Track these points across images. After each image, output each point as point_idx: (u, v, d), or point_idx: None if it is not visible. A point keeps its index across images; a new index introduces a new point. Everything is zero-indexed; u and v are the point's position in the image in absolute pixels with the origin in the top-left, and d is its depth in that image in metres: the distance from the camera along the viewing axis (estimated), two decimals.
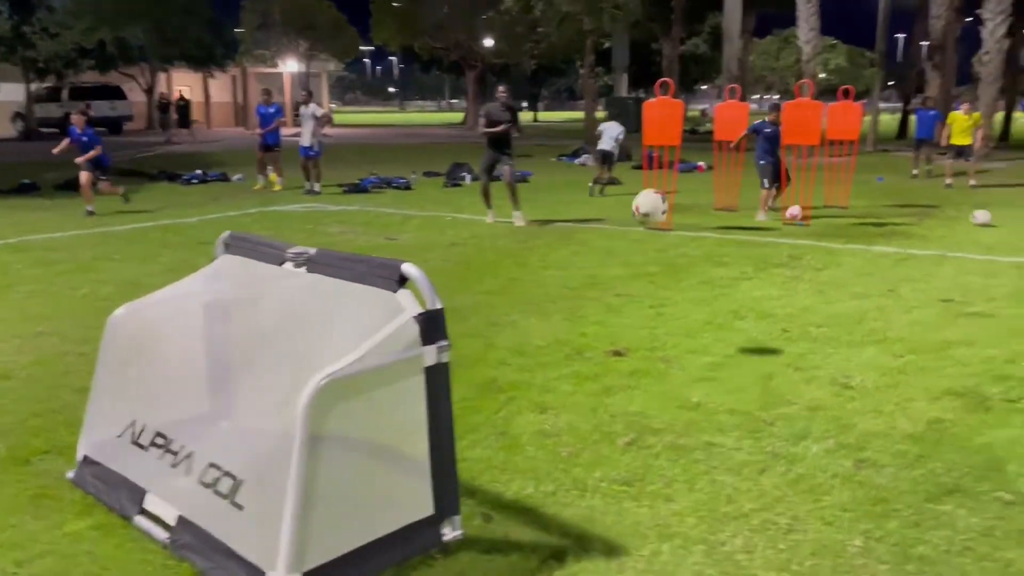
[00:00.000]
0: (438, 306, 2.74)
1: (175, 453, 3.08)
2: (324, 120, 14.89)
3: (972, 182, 14.89)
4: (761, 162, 10.94)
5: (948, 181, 14.95)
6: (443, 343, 2.78)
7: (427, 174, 17.51)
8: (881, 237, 9.54)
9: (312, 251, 3.09)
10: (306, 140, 14.07)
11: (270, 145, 14.51)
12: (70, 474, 3.34)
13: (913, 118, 18.87)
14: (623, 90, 32.84)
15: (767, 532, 2.92)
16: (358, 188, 14.62)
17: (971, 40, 22.83)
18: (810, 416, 4.03)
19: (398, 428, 2.82)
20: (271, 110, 14.58)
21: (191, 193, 14.35)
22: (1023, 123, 35.57)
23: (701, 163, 18.45)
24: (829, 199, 12.54)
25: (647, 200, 9.56)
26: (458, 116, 64.65)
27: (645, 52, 41.75)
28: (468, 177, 16.19)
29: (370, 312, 2.82)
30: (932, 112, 16.66)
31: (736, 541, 2.86)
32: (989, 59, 20.85)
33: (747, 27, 31.51)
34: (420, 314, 2.72)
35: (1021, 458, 3.53)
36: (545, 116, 73.60)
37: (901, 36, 52.05)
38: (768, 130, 10.84)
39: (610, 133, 14.34)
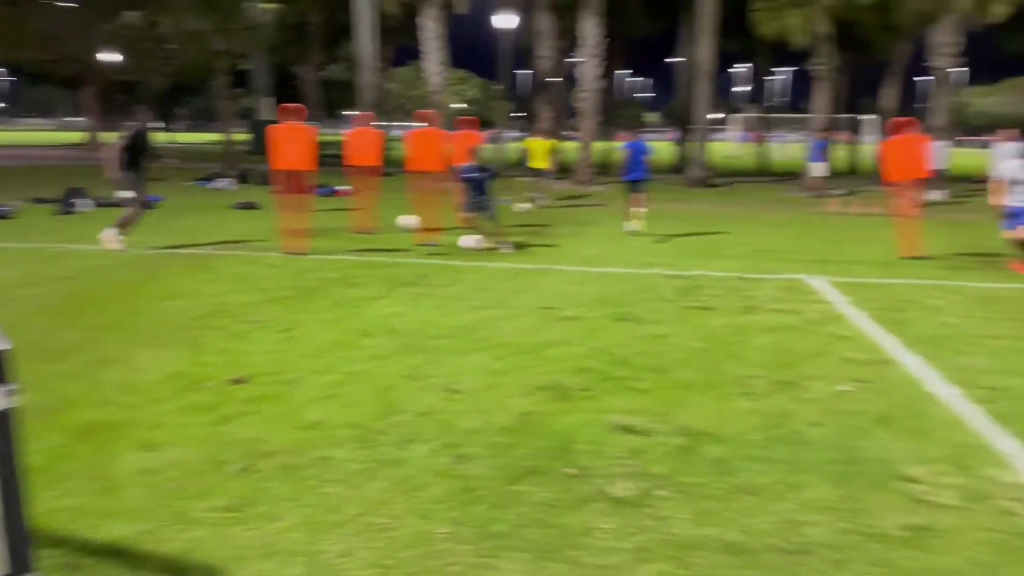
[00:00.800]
0: (2, 347, 2.51)
1: None
2: None
3: (544, 200, 17.17)
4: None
5: (534, 199, 17.07)
6: (10, 387, 2.56)
7: (37, 200, 15.57)
8: (498, 255, 10.51)
9: None
10: None
11: None
12: None
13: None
14: (267, 113, 32.18)
15: (367, 534, 3.12)
16: None
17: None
18: (420, 421, 4.35)
19: None
20: None
21: None
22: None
23: (341, 187, 18.72)
24: (458, 220, 13.47)
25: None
26: (78, 135, 58.18)
27: (288, 76, 41.36)
28: (91, 203, 14.77)
29: None
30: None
31: (336, 547, 3.01)
32: (586, 96, 24.02)
33: (384, 56, 32.75)
34: None
35: (587, 438, 4.17)
36: (185, 137, 69.33)
37: (529, 72, 57.84)
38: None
39: None
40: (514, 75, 52.57)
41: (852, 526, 3.24)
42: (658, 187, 22.92)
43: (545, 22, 25.86)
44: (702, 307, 7.39)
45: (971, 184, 19.11)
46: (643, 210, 12.42)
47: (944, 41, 22.74)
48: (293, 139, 10.14)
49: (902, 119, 11.41)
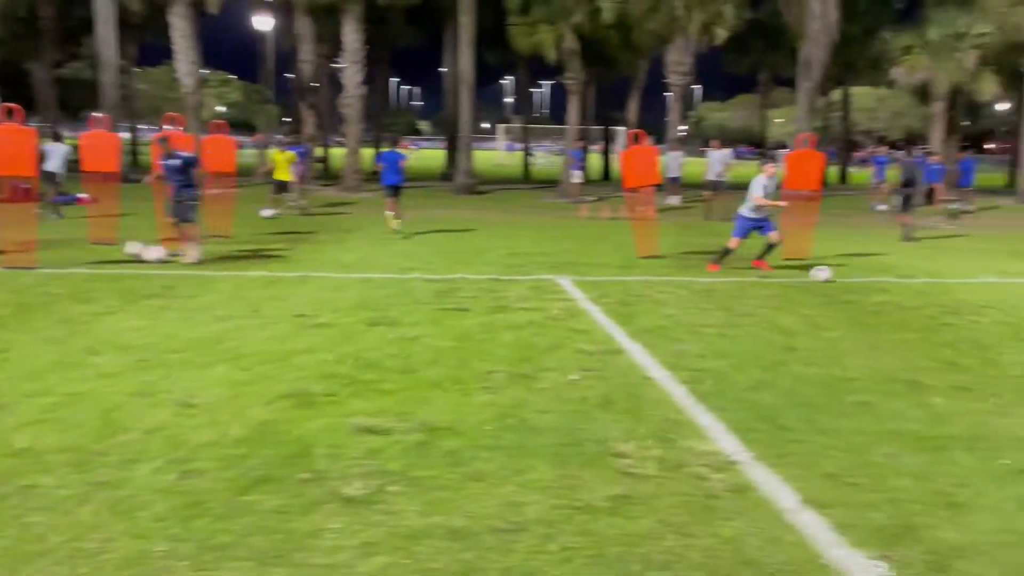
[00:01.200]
0: None
1: None
2: None
3: (298, 207, 16.85)
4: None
5: (274, 212, 15.88)
6: None
7: None
8: (256, 262, 10.18)
9: None
10: None
11: None
12: None
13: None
14: None
15: (74, 560, 2.93)
16: None
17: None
18: (147, 440, 4.14)
19: None
20: None
21: None
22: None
23: (83, 195, 17.20)
24: (211, 228, 12.87)
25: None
26: None
27: (20, 73, 37.16)
28: None
29: None
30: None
31: None
32: (350, 102, 23.86)
33: (129, 55, 30.47)
34: None
35: (326, 442, 4.17)
36: None
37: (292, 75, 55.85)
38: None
39: (59, 154, 13.14)
40: (280, 79, 50.84)
41: (565, 502, 3.52)
42: (425, 194, 23.31)
43: (305, 26, 25.32)
44: (456, 308, 7.63)
45: (701, 190, 21.20)
46: (392, 213, 13.47)
47: (677, 60, 25.09)
48: (12, 142, 9.18)
49: (636, 131, 12.47)
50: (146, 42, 34.22)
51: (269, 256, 10.83)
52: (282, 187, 16.57)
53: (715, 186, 18.44)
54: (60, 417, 4.44)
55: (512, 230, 15.22)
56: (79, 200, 16.95)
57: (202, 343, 6.14)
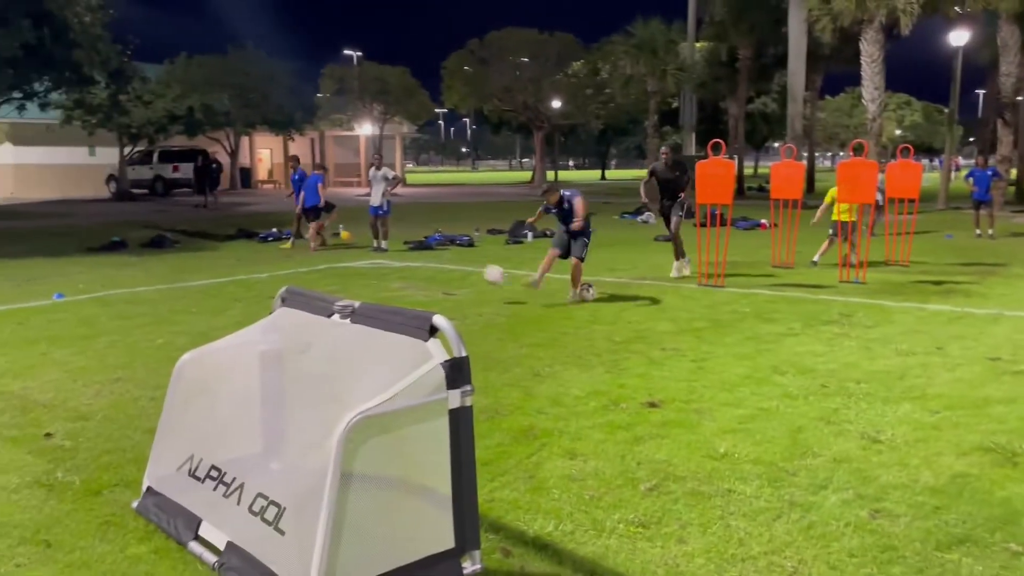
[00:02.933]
0: (463, 354, 3.00)
1: (227, 484, 3.40)
2: (395, 182, 15.53)
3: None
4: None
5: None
6: (467, 388, 3.04)
7: (491, 231, 18.01)
8: (938, 295, 9.45)
9: (356, 304, 3.41)
10: (376, 200, 14.68)
11: (306, 209, 14.91)
12: (134, 504, 3.69)
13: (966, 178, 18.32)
14: (691, 148, 33.10)
15: (771, 573, 3.05)
16: (423, 245, 15.18)
17: None
18: (833, 468, 4.12)
19: (423, 464, 3.08)
20: (297, 177, 15.29)
21: (266, 250, 15.11)
22: None
23: (764, 220, 18.48)
24: (890, 256, 12.45)
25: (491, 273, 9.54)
26: (526, 175, 65.84)
27: (713, 110, 42.13)
28: (530, 235, 16.64)
29: (403, 359, 3.11)
30: (988, 171, 16.50)
31: None
32: None
33: (813, 86, 31.58)
34: (446, 361, 2.99)
35: None
36: (613, 174, 74.47)
37: (982, 92, 50.79)
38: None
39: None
40: (971, 96, 46.66)
41: None
42: None
43: (1010, 35, 22.62)
44: None
45: None
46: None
47: None
48: (716, 174, 10.31)
49: None
50: (829, 72, 35.11)
51: (952, 289, 9.95)
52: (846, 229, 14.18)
53: None
54: (751, 429, 4.75)
55: None
56: (763, 225, 18.28)
57: (883, 376, 5.91)
